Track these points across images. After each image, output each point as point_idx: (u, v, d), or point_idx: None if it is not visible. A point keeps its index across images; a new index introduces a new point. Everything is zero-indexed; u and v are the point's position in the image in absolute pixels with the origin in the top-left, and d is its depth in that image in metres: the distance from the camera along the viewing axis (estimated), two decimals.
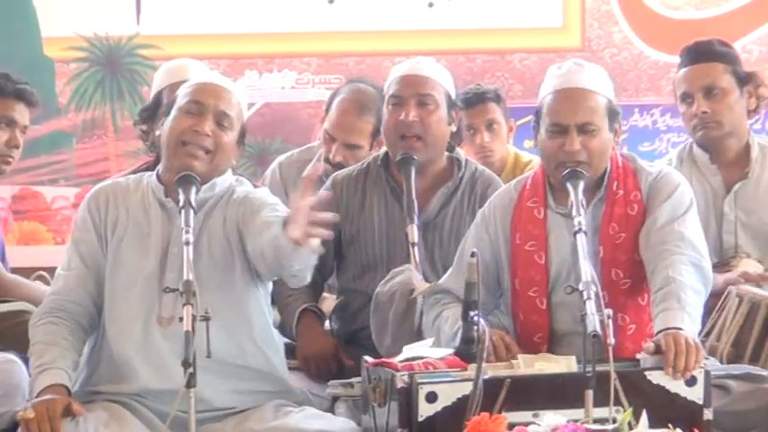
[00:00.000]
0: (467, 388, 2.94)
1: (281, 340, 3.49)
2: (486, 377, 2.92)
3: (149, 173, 3.47)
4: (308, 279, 3.31)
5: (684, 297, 3.23)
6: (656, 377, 3.03)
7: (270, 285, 3.46)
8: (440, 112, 3.85)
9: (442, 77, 3.91)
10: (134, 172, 4.04)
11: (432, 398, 2.95)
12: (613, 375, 2.88)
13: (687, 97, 4.04)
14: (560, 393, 2.95)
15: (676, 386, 3.03)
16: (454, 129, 3.93)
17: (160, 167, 3.42)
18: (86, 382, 3.34)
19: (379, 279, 3.66)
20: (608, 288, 3.37)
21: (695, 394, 3.03)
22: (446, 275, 3.57)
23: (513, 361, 3.16)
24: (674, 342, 3.07)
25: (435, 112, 3.84)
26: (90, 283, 3.35)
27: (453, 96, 3.93)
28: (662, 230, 3.37)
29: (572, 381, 2.93)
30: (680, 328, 3.14)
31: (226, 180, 3.41)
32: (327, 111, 4.35)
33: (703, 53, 4.06)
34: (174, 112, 3.38)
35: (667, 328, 3.15)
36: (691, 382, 3.03)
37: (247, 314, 3.34)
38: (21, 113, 4.06)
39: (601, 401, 2.87)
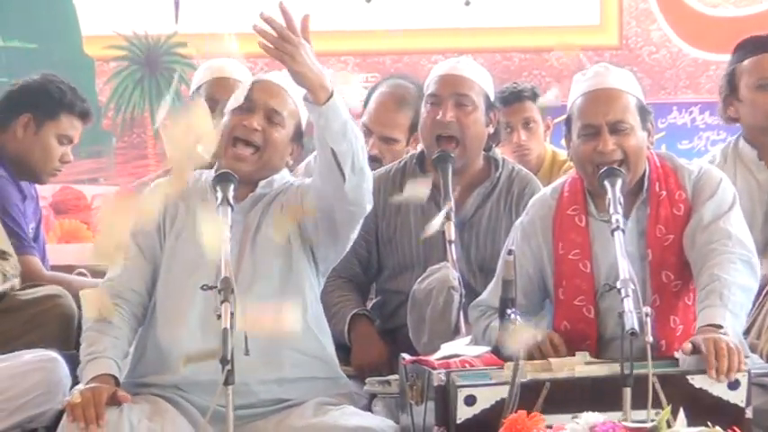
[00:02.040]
0: (506, 391, 2.93)
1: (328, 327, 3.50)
2: (525, 380, 2.91)
3: (209, 169, 3.46)
4: (367, 206, 3.33)
5: (728, 294, 3.19)
6: (698, 381, 3.00)
7: (322, 281, 3.48)
8: (477, 113, 3.84)
9: (482, 78, 3.90)
10: (166, 173, 4.08)
11: (470, 401, 2.95)
12: (651, 374, 2.87)
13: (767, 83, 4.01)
14: (600, 396, 2.92)
15: (719, 390, 3.00)
16: (492, 130, 3.91)
17: (217, 165, 3.43)
18: (132, 371, 3.36)
19: (416, 278, 3.66)
20: (659, 291, 3.35)
21: (738, 397, 3.01)
22: (487, 290, 3.53)
23: (551, 360, 3.14)
24: (715, 345, 3.04)
25: (473, 113, 3.83)
26: (147, 274, 3.38)
27: (492, 98, 3.92)
28: (708, 229, 3.33)
29: (612, 383, 2.91)
30: (720, 326, 3.12)
31: (283, 177, 3.44)
32: (366, 105, 4.36)
33: None
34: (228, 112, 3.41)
35: (707, 325, 3.12)
36: (734, 385, 3.00)
37: (303, 298, 3.35)
38: (77, 132, 4.13)
39: (640, 403, 2.86)
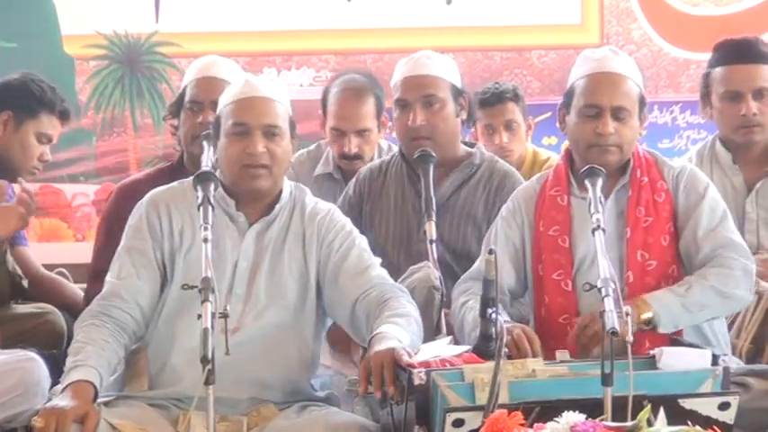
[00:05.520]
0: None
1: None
2: (514, 403, 2.89)
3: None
4: None
5: (697, 290, 3.34)
6: (689, 403, 3.00)
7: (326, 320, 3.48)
8: (446, 109, 3.92)
9: (446, 71, 3.96)
10: (159, 170, 4.08)
11: (459, 424, 2.92)
12: (631, 373, 2.88)
13: (734, 96, 4.01)
14: (586, 413, 2.91)
15: (709, 410, 3.00)
16: (464, 116, 3.98)
17: (225, 181, 3.36)
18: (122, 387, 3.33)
19: (393, 264, 3.68)
20: (633, 269, 3.45)
21: (728, 416, 3.01)
22: (477, 261, 3.60)
23: (527, 361, 3.13)
24: (583, 323, 3.24)
25: (441, 110, 3.91)
26: (141, 294, 3.29)
27: (459, 84, 3.98)
28: (711, 235, 3.45)
29: (599, 404, 2.89)
30: (646, 302, 3.30)
31: (286, 188, 3.41)
32: (325, 110, 4.37)
33: (754, 53, 4.04)
34: (223, 138, 3.35)
35: (638, 298, 3.32)
36: (724, 407, 3.01)
37: (306, 337, 3.35)
38: (57, 132, 4.13)
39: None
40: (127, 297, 3.28)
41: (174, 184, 3.47)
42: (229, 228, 3.33)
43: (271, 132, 3.32)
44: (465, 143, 4.07)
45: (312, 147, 4.62)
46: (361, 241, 3.41)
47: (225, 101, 3.40)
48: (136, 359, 3.32)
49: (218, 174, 3.38)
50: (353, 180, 4.06)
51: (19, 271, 3.86)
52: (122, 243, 3.38)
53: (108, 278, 3.35)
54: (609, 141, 3.45)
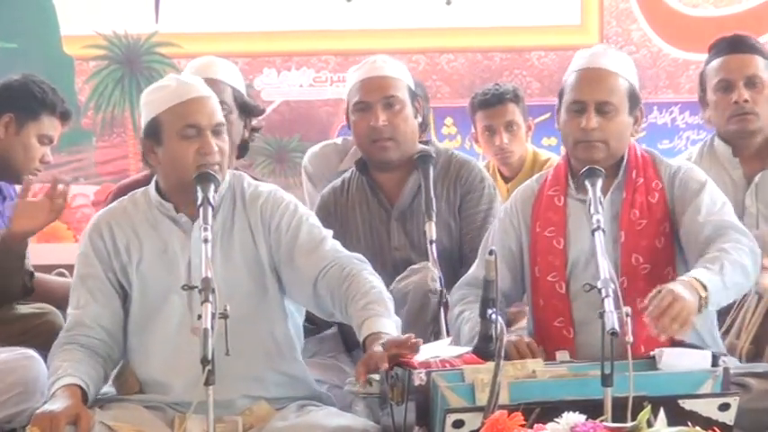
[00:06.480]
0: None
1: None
2: (513, 404, 2.89)
3: (141, 189, 3.42)
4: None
5: (729, 267, 3.22)
6: (689, 404, 2.99)
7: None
8: (406, 110, 3.93)
9: (401, 73, 3.98)
10: (147, 177, 4.07)
11: (459, 425, 2.92)
12: (631, 374, 2.88)
13: (726, 85, 4.02)
14: (587, 413, 2.91)
15: (709, 412, 3.00)
16: (420, 119, 3.99)
17: (161, 185, 3.36)
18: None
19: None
20: (627, 274, 3.42)
21: (727, 417, 3.01)
22: (473, 266, 3.60)
23: (527, 362, 3.14)
24: (661, 298, 3.07)
25: (402, 111, 3.92)
26: (103, 318, 3.32)
27: (413, 87, 3.99)
28: (713, 218, 3.39)
29: (600, 405, 2.89)
30: (699, 279, 3.14)
31: (225, 178, 3.38)
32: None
33: (745, 44, 4.07)
34: (171, 139, 3.29)
35: (692, 278, 3.16)
36: (724, 407, 3.01)
37: (276, 322, 3.34)
38: (57, 133, 4.13)
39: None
40: (90, 323, 3.30)
41: (114, 203, 3.46)
42: (173, 231, 3.31)
43: (219, 129, 3.31)
44: (420, 142, 4.04)
45: (339, 140, 4.59)
46: (309, 216, 3.38)
47: (163, 104, 3.31)
48: (125, 378, 3.34)
49: (155, 179, 3.37)
50: (318, 203, 4.02)
51: (31, 269, 3.87)
52: (75, 273, 3.40)
53: (69, 310, 3.38)
54: (593, 137, 3.43)
